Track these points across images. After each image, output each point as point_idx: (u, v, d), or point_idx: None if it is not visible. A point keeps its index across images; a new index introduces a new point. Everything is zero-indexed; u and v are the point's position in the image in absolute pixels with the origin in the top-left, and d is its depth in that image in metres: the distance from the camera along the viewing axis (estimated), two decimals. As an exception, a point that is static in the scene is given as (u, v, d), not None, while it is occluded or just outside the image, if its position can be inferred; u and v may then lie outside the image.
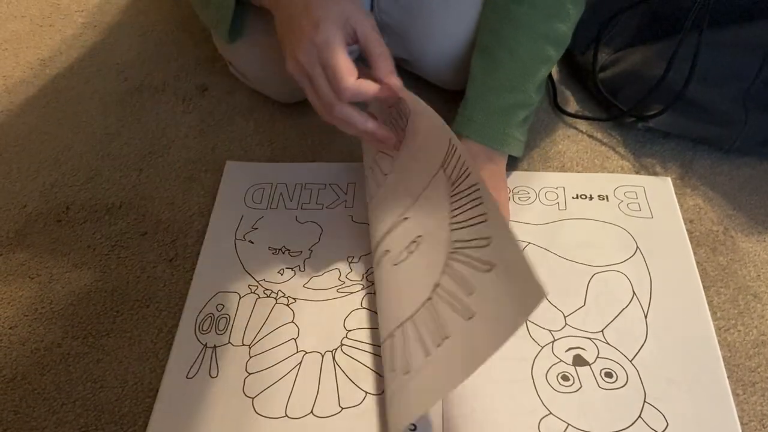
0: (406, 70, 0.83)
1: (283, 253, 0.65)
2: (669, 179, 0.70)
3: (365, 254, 0.65)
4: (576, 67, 0.81)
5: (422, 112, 0.55)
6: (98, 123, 0.81)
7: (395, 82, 0.56)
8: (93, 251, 0.67)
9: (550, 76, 0.82)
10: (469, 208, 0.49)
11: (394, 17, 0.75)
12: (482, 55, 0.67)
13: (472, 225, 0.48)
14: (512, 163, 0.71)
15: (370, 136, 0.59)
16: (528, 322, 0.58)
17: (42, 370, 0.59)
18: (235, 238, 0.66)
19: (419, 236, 0.55)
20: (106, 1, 0.99)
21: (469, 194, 0.49)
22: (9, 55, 0.91)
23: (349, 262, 0.64)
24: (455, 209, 0.51)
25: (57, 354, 0.60)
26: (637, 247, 0.64)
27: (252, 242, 0.66)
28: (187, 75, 0.87)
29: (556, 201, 0.69)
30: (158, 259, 0.66)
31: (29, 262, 0.67)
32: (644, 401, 0.53)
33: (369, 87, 0.55)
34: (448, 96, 0.79)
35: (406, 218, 0.58)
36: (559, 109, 0.79)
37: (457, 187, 0.51)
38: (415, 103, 0.55)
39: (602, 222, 0.66)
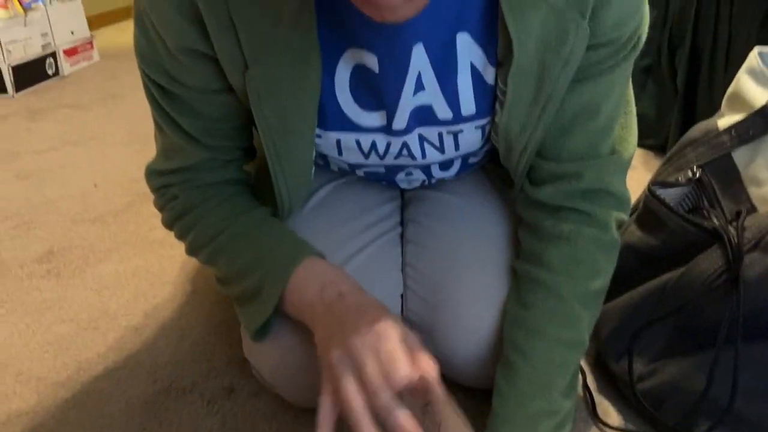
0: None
1: None
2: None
3: None
4: (611, 375, 0.79)
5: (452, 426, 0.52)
6: (120, 426, 0.79)
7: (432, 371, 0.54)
8: None
9: (586, 386, 0.79)
10: None
11: (422, 316, 0.77)
12: (502, 365, 0.67)
13: None
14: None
15: None
16: None
17: None
18: None
19: None
20: (154, 306, 1.05)
21: None
22: (48, 357, 0.94)
23: None
24: None
25: None
26: None
27: None
28: (216, 376, 0.87)
29: None
30: None
31: None
32: None
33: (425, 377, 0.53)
34: (478, 398, 0.76)
35: None
36: (600, 421, 0.75)
37: None
38: (447, 412, 0.52)
39: None
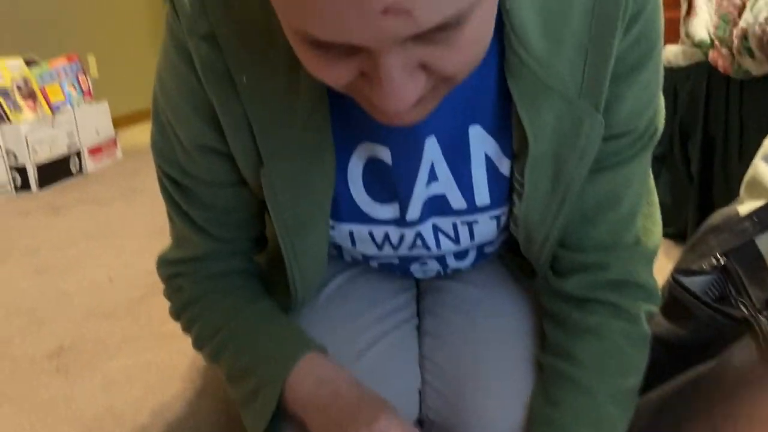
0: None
1: None
2: None
3: None
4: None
5: None
6: None
7: None
8: None
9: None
10: None
11: (441, 413, 0.73)
12: None
13: None
14: None
15: None
16: None
17: None
18: None
19: None
20: (162, 404, 1.02)
21: None
22: (52, 457, 0.90)
23: None
24: None
25: None
26: None
27: None
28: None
29: None
30: None
31: None
32: None
33: None
34: None
35: None
36: None
37: None
38: None
39: None
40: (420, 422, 0.79)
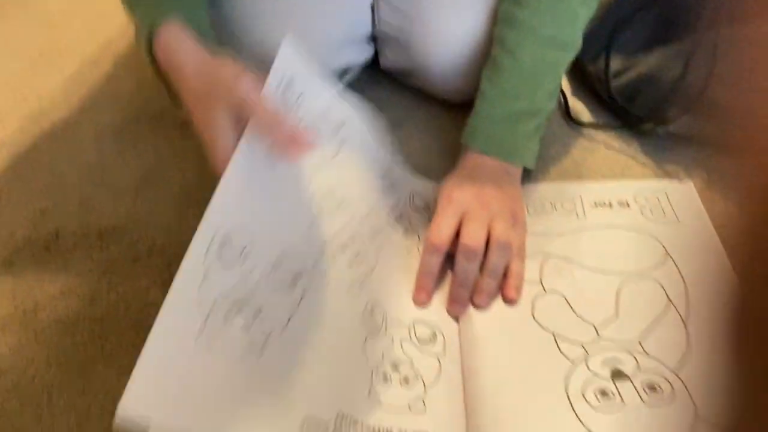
0: (412, 86, 0.80)
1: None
2: (691, 183, 0.66)
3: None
4: (586, 76, 0.78)
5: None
6: (93, 152, 0.78)
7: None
8: (82, 278, 0.63)
9: (560, 88, 0.79)
10: None
11: (394, 26, 0.73)
12: (489, 67, 0.65)
13: None
14: (526, 176, 0.67)
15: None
16: (556, 335, 0.53)
17: (23, 402, 0.53)
18: None
19: None
20: (107, 43, 0.98)
21: None
22: (7, 90, 0.89)
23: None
24: None
25: (39, 386, 0.55)
26: (666, 252, 0.59)
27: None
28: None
29: (574, 210, 0.64)
30: (151, 284, 0.62)
31: (15, 290, 0.62)
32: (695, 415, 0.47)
33: None
34: (458, 114, 0.76)
35: None
36: (572, 120, 0.76)
37: None
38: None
39: (625, 229, 0.62)
40: (374, 38, 0.79)
